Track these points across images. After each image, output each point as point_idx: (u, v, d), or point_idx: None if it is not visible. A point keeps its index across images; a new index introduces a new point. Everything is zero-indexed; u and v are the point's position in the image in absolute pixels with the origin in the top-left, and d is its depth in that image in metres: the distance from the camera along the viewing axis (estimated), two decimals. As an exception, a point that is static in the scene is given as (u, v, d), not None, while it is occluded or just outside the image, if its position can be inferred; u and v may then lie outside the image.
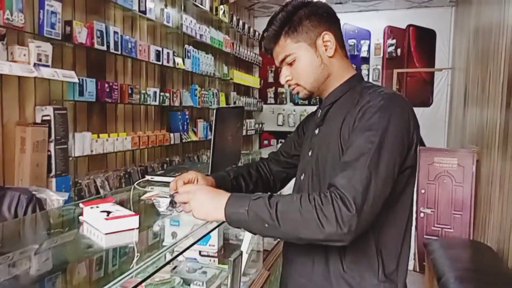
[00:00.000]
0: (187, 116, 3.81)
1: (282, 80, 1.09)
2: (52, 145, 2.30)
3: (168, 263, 0.88)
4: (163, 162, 3.60)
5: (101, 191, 2.86)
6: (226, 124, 1.56)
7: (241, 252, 1.21)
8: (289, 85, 1.09)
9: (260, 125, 5.84)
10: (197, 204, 0.94)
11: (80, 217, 0.97)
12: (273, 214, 0.85)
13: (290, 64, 1.05)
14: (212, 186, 1.16)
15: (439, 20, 5.30)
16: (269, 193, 0.92)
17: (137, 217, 0.90)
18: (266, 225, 0.86)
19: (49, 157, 2.30)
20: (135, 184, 1.48)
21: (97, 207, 0.95)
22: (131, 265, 0.77)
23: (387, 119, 0.88)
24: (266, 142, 6.05)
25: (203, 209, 0.93)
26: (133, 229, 0.89)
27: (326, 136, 1.04)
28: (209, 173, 1.44)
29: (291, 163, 1.34)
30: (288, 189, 1.39)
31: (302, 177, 1.15)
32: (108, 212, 0.90)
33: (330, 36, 1.02)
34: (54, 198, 1.83)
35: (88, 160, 2.75)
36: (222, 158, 1.56)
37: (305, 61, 1.03)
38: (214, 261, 1.49)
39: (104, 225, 0.87)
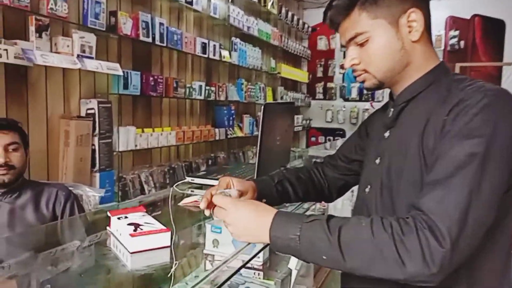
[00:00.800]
0: (232, 111, 3.69)
1: (347, 63, 0.88)
2: (96, 139, 2.25)
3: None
4: (208, 158, 3.51)
5: (145, 186, 2.81)
6: (275, 122, 1.39)
7: (290, 270, 1.04)
8: (354, 70, 0.89)
9: (308, 121, 5.62)
10: (234, 223, 0.79)
11: (108, 228, 0.84)
12: (335, 243, 0.67)
13: (361, 45, 0.84)
14: (252, 193, 1.01)
15: (509, 9, 4.78)
16: (327, 214, 0.74)
17: (168, 234, 0.76)
18: (324, 257, 0.69)
19: (93, 151, 2.25)
20: (174, 186, 1.36)
21: (125, 217, 0.82)
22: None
23: (492, 123, 0.67)
24: (313, 139, 5.82)
25: (242, 229, 0.78)
26: (164, 247, 0.75)
27: (401, 142, 0.84)
28: (255, 176, 1.28)
29: (351, 170, 1.15)
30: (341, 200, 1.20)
31: (367, 190, 0.96)
32: (136, 226, 0.77)
33: (418, 15, 0.81)
34: (91, 195, 1.76)
35: (133, 155, 2.70)
36: (270, 159, 1.40)
37: (381, 43, 0.82)
38: (258, 274, 1.34)
39: (130, 242, 0.73)
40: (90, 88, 2.34)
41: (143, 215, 0.85)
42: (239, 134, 3.82)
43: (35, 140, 2.01)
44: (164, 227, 0.79)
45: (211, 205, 0.85)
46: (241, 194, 0.96)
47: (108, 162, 2.32)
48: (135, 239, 0.73)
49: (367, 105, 4.61)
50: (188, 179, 1.39)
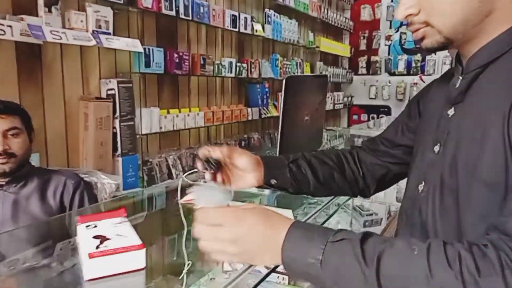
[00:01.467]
0: (266, 89, 3.46)
1: (400, 13, 0.64)
2: (117, 121, 2.12)
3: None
4: (241, 140, 3.33)
5: (173, 170, 2.68)
6: (302, 98, 1.16)
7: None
8: (411, 23, 0.65)
9: (350, 99, 5.27)
10: (233, 240, 0.59)
11: (76, 238, 0.67)
12: (372, 278, 0.46)
13: None
14: (257, 170, 0.82)
15: None
16: (361, 230, 0.52)
17: (142, 252, 0.57)
18: None
19: (114, 135, 2.13)
20: (183, 176, 1.17)
21: (94, 226, 0.64)
22: None
23: None
24: (355, 117, 5.48)
25: (243, 248, 0.58)
26: (136, 270, 0.56)
27: (474, 123, 0.59)
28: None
29: (396, 157, 0.91)
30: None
31: (420, 188, 0.72)
32: (102, 240, 0.58)
33: None
34: (106, 182, 1.63)
35: (159, 137, 2.56)
36: (296, 141, 1.18)
37: None
38: (283, 279, 1.14)
39: (87, 265, 0.55)
40: (111, 67, 2.20)
41: (119, 223, 0.66)
42: (274, 113, 3.59)
43: (52, 124, 1.90)
44: (138, 242, 0.59)
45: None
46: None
47: (131, 146, 2.19)
48: (93, 262, 0.54)
49: (415, 78, 4.19)
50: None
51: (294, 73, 3.86)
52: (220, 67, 2.82)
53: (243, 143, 3.33)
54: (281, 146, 1.03)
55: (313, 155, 0.92)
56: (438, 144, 0.71)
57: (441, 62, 4.73)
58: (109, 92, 2.11)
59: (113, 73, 2.20)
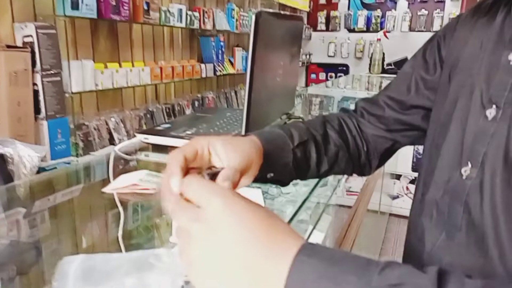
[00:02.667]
0: (222, 43, 3.11)
1: None
2: (38, 76, 1.72)
3: None
4: (194, 99, 3.00)
5: (115, 135, 2.32)
6: (275, 43, 0.88)
7: None
8: None
9: (308, 56, 5.02)
10: (203, 265, 0.35)
11: None
12: None
13: None
14: (256, 163, 0.53)
15: None
16: (428, 267, 0.28)
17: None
18: None
19: (36, 93, 1.73)
20: (115, 149, 0.87)
21: None
22: None
23: None
24: (313, 76, 5.26)
25: (225, 269, 0.35)
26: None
27: None
28: (244, 130, 0.79)
29: (408, 124, 0.67)
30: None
31: (465, 172, 0.49)
32: None
33: None
34: (25, 154, 1.28)
35: (97, 97, 2.18)
36: (266, 102, 0.91)
37: None
38: None
39: None
40: (28, 8, 1.76)
41: None
42: (231, 70, 3.27)
43: None
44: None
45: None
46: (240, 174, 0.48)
47: (59, 106, 1.81)
48: None
49: (379, 34, 3.98)
50: (140, 137, 0.90)
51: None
52: (168, 14, 2.43)
53: (196, 103, 3.01)
54: (249, 104, 0.76)
55: (316, 128, 0.66)
56: (494, 105, 0.47)
57: (401, 19, 4.57)
58: (26, 39, 1.69)
59: (31, 16, 1.77)
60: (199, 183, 0.37)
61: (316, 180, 0.81)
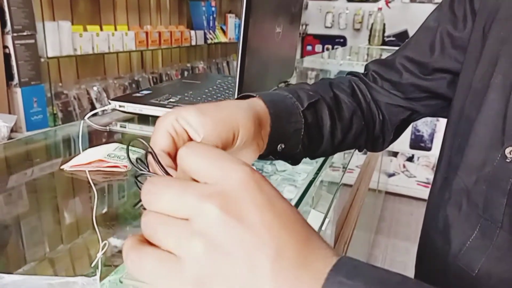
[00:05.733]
0: (213, 9, 2.92)
1: None
2: (9, 38, 1.55)
3: None
4: (183, 69, 2.83)
5: (97, 105, 2.17)
6: (271, 8, 0.74)
7: None
8: None
9: (304, 27, 4.82)
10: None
11: None
12: None
13: None
14: (258, 142, 0.41)
15: None
16: None
17: None
18: None
19: (7, 56, 1.57)
20: (86, 118, 0.74)
21: None
22: None
23: None
24: (309, 48, 5.08)
25: None
26: None
27: None
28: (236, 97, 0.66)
29: (430, 91, 0.56)
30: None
31: (510, 153, 0.37)
32: None
33: None
34: (-9, 124, 1.14)
35: (76, 62, 2.01)
36: (262, 69, 0.78)
37: None
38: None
39: None
40: (-5, -39, 1.56)
41: None
42: (222, 39, 3.09)
43: None
44: None
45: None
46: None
47: (34, 73, 1.65)
48: None
49: (380, 3, 3.80)
50: (114, 104, 0.76)
51: (245, -8, 3.31)
52: (155, -26, 2.23)
53: (185, 73, 2.85)
54: (241, 72, 0.62)
55: (325, 92, 0.53)
56: None
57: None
58: (-7, -5, 1.51)
59: (-1, -31, 1.58)
60: (209, 151, 0.25)
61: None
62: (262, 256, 0.21)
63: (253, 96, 0.45)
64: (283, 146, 0.46)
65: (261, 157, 0.45)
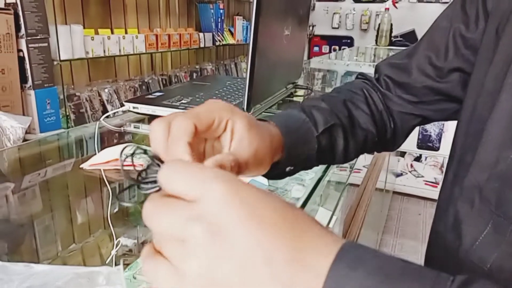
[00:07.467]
0: (221, 11, 2.95)
1: None
2: (23, 42, 1.59)
3: None
4: (192, 71, 2.87)
5: (109, 107, 2.21)
6: (279, 11, 0.76)
7: None
8: None
9: (311, 28, 4.83)
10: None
11: None
12: None
13: None
14: (267, 162, 0.42)
15: None
16: None
17: None
18: None
19: (21, 60, 1.61)
20: (101, 119, 0.77)
21: None
22: None
23: None
24: (316, 49, 5.09)
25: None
26: None
27: None
28: (246, 102, 0.68)
29: (444, 93, 0.57)
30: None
31: None
32: None
33: None
34: (8, 126, 1.18)
35: (88, 65, 2.06)
36: (271, 71, 0.80)
37: None
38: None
39: None
40: (10, -33, 1.61)
41: None
42: (230, 41, 3.12)
43: None
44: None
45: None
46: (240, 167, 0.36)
47: (47, 75, 1.69)
48: None
49: (387, 3, 3.81)
50: (128, 105, 0.79)
51: (252, -6, 3.34)
52: (164, -22, 2.27)
53: (194, 75, 2.88)
54: (252, 75, 0.65)
55: (338, 108, 0.54)
56: None
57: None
58: (8, 0, 1.56)
59: (14, -25, 1.62)
60: (187, 168, 0.27)
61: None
62: (252, 266, 0.24)
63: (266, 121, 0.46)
64: (291, 168, 0.48)
65: (266, 176, 0.45)
